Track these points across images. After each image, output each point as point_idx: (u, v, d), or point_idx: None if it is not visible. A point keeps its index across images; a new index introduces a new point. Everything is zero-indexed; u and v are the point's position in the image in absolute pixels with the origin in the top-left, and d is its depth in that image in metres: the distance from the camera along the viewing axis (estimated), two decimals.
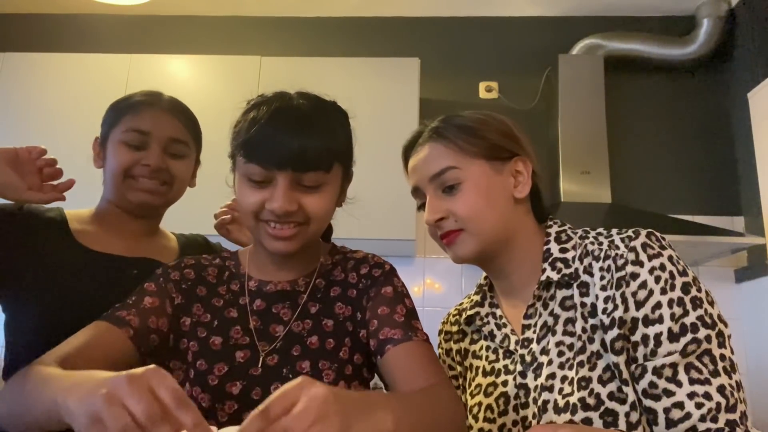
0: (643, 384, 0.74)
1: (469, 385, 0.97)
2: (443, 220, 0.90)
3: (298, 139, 0.83)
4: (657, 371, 0.74)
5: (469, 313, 0.98)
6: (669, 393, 0.72)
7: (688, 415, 0.71)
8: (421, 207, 0.95)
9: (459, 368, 1.01)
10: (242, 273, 0.96)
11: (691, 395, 0.71)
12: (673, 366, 0.73)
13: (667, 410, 0.72)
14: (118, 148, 1.09)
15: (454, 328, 1.04)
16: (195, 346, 0.89)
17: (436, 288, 2.71)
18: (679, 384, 0.72)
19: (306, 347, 0.88)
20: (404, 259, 2.69)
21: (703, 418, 0.70)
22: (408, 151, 0.99)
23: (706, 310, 0.76)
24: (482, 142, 0.90)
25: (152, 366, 0.56)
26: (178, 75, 2.67)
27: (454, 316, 1.05)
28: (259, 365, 0.87)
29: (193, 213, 2.38)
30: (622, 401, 0.75)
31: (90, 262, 1.08)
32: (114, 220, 1.15)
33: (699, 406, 0.70)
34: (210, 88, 2.62)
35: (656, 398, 0.73)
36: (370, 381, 0.93)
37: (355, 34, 3.00)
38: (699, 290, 0.77)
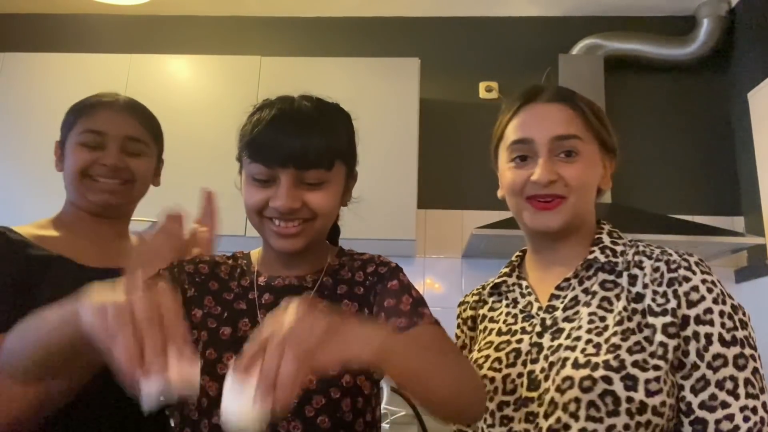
0: (703, 396, 0.79)
1: (478, 344, 0.99)
2: (552, 182, 0.90)
3: (299, 138, 0.86)
4: (720, 384, 0.78)
5: (496, 281, 1.03)
6: (725, 405, 0.77)
7: (736, 428, 0.76)
8: (517, 159, 0.93)
9: (470, 334, 1.05)
10: (253, 271, 0.98)
11: (743, 408, 0.77)
12: (734, 380, 0.78)
13: (718, 421, 0.77)
14: (75, 150, 1.09)
15: (474, 298, 1.07)
16: (205, 336, 0.91)
17: (436, 288, 2.71)
18: (737, 397, 0.77)
19: None
20: (404, 259, 2.69)
21: (749, 431, 0.76)
22: (525, 102, 0.96)
23: (749, 333, 0.82)
24: (603, 128, 0.94)
25: (167, 285, 0.60)
26: (178, 75, 2.67)
27: (477, 290, 1.08)
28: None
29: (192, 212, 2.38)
30: (645, 369, 0.79)
31: (67, 276, 1.02)
32: (79, 224, 1.12)
33: (746, 419, 0.76)
34: (210, 88, 2.62)
35: (712, 410, 0.78)
36: (378, 379, 0.93)
37: (355, 34, 3.00)
38: (744, 314, 0.83)
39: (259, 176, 0.87)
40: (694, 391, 0.79)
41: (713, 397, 0.78)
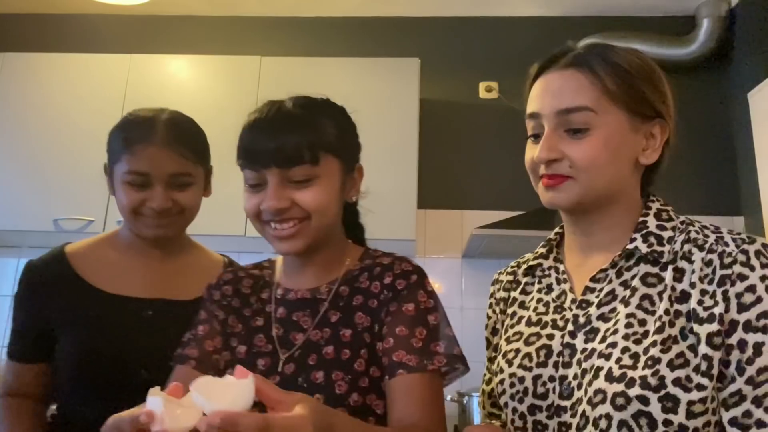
0: (736, 412, 0.70)
1: (506, 331, 0.94)
2: (556, 161, 0.81)
3: (277, 137, 0.86)
4: (757, 400, 0.69)
5: (531, 263, 0.95)
6: (761, 424, 0.69)
7: None
8: (533, 137, 0.85)
9: (502, 318, 0.98)
10: (274, 281, 0.98)
11: None
12: None
13: None
14: (123, 188, 1.09)
15: (508, 278, 1.00)
16: (227, 356, 0.92)
17: (436, 288, 2.69)
18: None
19: (321, 357, 0.87)
20: None
21: None
22: (541, 70, 0.86)
23: None
24: (631, 90, 0.81)
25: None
26: (178, 75, 2.67)
27: (512, 266, 1.02)
28: (278, 373, 0.88)
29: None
30: (687, 390, 0.70)
31: (106, 309, 1.10)
32: (133, 244, 1.16)
33: None
34: (210, 88, 2.62)
35: (745, 428, 0.69)
36: None
37: (355, 34, 3.00)
38: None
39: (251, 181, 0.88)
40: (726, 405, 0.71)
41: (748, 414, 0.69)
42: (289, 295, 0.94)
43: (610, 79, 0.80)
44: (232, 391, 0.55)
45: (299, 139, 0.85)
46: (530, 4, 2.90)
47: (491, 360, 0.99)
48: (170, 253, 1.18)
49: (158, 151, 1.08)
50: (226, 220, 2.39)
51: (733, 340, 0.71)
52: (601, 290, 0.83)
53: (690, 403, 0.69)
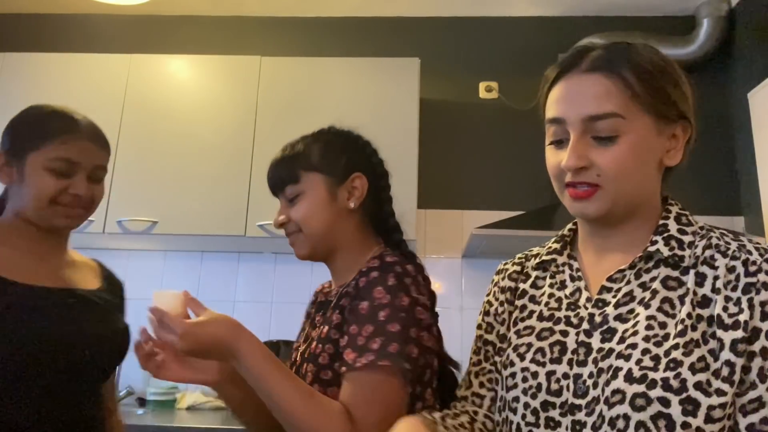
0: (754, 418, 0.71)
1: (515, 324, 0.92)
2: (584, 169, 0.79)
3: (273, 169, 1.05)
4: None
5: (545, 258, 0.94)
6: None
7: None
8: (555, 143, 0.84)
9: (509, 308, 0.96)
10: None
11: None
12: None
13: None
14: (44, 175, 1.09)
15: (515, 268, 0.99)
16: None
17: (436, 288, 2.70)
18: None
19: (307, 351, 1.01)
20: None
21: None
22: (561, 73, 0.84)
23: None
24: (658, 94, 0.80)
25: None
26: (178, 75, 2.67)
27: (519, 258, 1.01)
28: (297, 365, 1.03)
29: (188, 212, 2.38)
30: (708, 394, 0.70)
31: (33, 301, 1.04)
32: (24, 237, 1.11)
33: None
34: (210, 88, 2.62)
35: None
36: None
37: (355, 34, 3.00)
38: None
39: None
40: (744, 411, 0.71)
41: (766, 420, 0.70)
42: (318, 299, 1.12)
43: (638, 84, 0.79)
44: (167, 298, 0.89)
45: (282, 164, 1.02)
46: (530, 4, 2.90)
47: (497, 349, 0.96)
48: (60, 245, 1.19)
49: (87, 143, 1.14)
50: (227, 220, 2.40)
51: (756, 347, 0.72)
52: (618, 291, 0.82)
53: (710, 407, 0.70)
